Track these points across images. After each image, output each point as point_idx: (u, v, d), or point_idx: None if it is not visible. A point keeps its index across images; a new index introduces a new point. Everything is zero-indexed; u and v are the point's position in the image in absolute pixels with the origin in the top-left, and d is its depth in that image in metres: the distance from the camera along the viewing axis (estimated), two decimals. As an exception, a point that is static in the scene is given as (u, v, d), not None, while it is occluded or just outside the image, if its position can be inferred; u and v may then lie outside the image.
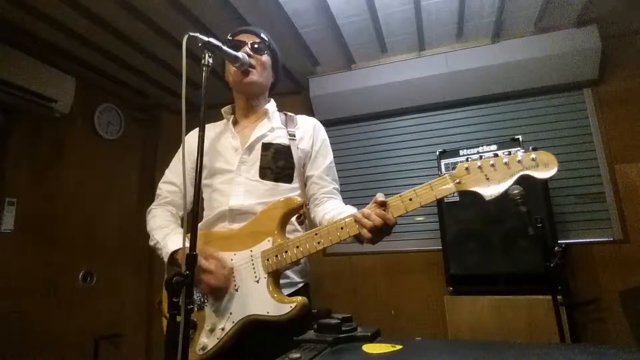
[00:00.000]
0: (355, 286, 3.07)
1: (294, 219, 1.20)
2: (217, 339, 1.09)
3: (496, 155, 0.92)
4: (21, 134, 2.65)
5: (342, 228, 1.02)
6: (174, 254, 1.17)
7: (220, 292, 1.13)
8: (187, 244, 0.94)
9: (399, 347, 0.73)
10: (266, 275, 1.08)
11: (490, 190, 0.90)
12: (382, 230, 0.97)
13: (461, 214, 2.49)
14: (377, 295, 3.00)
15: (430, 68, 2.93)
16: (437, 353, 0.72)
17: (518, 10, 2.56)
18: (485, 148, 2.54)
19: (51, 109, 2.65)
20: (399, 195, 0.98)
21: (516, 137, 2.49)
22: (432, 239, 2.87)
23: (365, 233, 0.97)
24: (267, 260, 1.08)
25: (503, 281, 2.31)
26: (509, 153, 0.92)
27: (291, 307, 1.01)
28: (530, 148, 0.94)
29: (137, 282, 3.33)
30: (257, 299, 1.07)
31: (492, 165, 0.90)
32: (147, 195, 3.26)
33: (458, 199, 2.51)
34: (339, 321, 0.86)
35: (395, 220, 0.97)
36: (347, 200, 1.31)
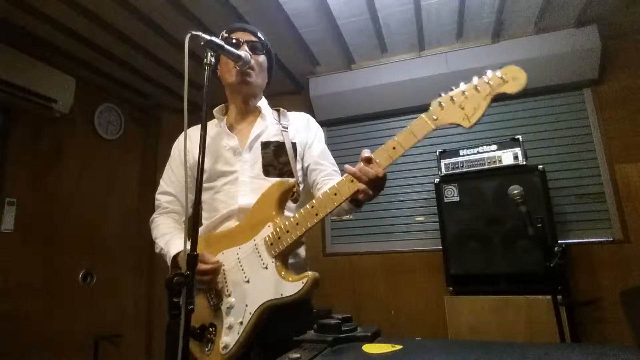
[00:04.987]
0: (355, 286, 3.06)
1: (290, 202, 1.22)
2: (238, 334, 1.09)
3: (466, 83, 0.94)
4: (21, 134, 2.65)
5: (335, 194, 1.04)
6: (176, 256, 1.20)
7: (219, 292, 1.15)
8: (188, 246, 0.95)
9: (399, 347, 0.73)
10: (273, 260, 1.09)
11: (467, 119, 0.92)
12: (377, 185, 1.02)
13: (461, 214, 2.49)
14: (377, 295, 2.99)
15: (430, 68, 2.93)
16: (437, 353, 0.72)
17: (518, 10, 2.56)
18: (485, 148, 2.53)
19: (51, 109, 2.65)
20: (382, 147, 1.02)
21: (516, 137, 2.48)
22: (432, 239, 2.87)
23: (363, 187, 1.01)
24: (271, 244, 1.10)
25: (503, 281, 2.31)
26: (479, 77, 0.94)
27: (303, 282, 1.02)
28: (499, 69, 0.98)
29: (137, 282, 3.33)
30: (269, 284, 1.07)
31: (464, 92, 0.93)
32: (147, 195, 3.25)
33: (458, 199, 2.51)
34: (339, 321, 0.86)
35: (385, 173, 1.02)
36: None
